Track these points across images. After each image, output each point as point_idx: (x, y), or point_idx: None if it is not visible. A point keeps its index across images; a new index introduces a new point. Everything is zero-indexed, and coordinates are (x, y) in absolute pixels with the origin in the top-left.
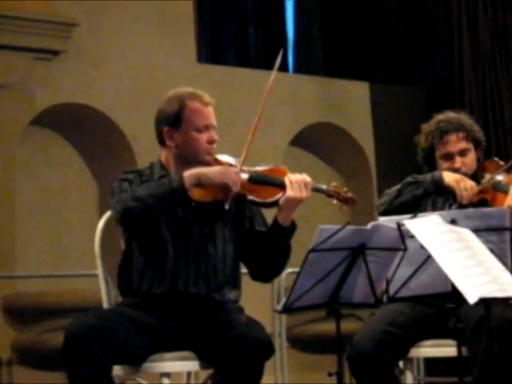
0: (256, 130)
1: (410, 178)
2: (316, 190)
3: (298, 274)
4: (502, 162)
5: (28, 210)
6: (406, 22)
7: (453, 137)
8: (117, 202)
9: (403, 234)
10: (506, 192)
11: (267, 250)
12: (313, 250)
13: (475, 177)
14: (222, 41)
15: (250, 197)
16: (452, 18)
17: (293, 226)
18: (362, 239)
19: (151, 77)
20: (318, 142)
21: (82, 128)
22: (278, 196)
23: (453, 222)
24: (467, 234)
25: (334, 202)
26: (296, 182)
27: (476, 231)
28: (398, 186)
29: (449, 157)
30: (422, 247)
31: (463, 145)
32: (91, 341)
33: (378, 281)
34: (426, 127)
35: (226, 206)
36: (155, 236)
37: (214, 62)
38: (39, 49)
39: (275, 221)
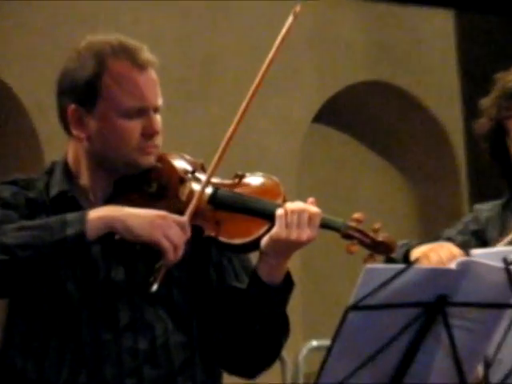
0: (240, 121)
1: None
2: (326, 226)
3: (330, 348)
4: None
5: None
6: None
7: None
8: None
9: None
10: None
11: (245, 323)
12: (355, 308)
13: None
14: None
15: (209, 232)
16: None
17: (286, 284)
18: (442, 287)
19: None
20: (360, 115)
21: None
22: (257, 233)
23: None
24: None
25: (354, 247)
26: (293, 213)
27: None
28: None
29: None
30: None
31: None
32: None
33: (471, 360)
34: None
35: (153, 288)
36: (55, 301)
37: None
38: None
39: (254, 275)
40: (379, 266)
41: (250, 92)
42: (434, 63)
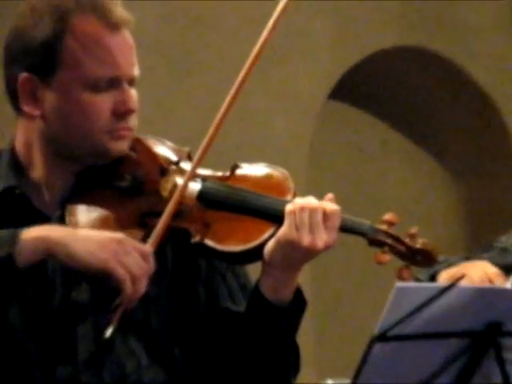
0: (234, 99)
1: None
2: (347, 229)
3: None
4: None
5: None
6: None
7: None
8: None
9: None
10: None
11: (242, 357)
12: (383, 338)
13: None
14: None
15: (198, 237)
16: None
17: (297, 304)
18: (495, 313)
19: None
20: (388, 89)
21: None
22: (259, 239)
23: None
24: None
25: (385, 257)
26: (305, 212)
27: None
28: None
29: None
30: None
31: None
32: None
33: None
34: None
35: (106, 334)
36: None
37: None
38: None
39: (256, 292)
40: (414, 284)
41: (248, 62)
42: (483, 25)
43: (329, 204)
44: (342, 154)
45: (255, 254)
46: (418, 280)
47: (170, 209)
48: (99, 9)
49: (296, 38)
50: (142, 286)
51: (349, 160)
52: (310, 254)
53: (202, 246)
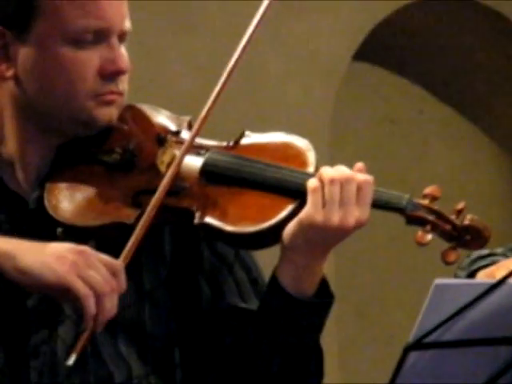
0: (240, 60)
1: None
2: (382, 205)
3: None
4: None
5: None
6: None
7: None
8: None
9: None
10: None
11: (254, 361)
12: (419, 346)
13: None
14: None
15: (202, 218)
16: None
17: (322, 297)
18: None
19: None
20: (426, 48)
21: None
22: (276, 217)
23: None
24: None
25: (427, 236)
26: (334, 184)
27: None
28: None
29: None
30: None
31: None
32: None
33: None
34: None
35: (69, 362)
36: None
37: None
38: None
39: (274, 283)
40: (456, 281)
41: (257, 16)
42: None
43: (361, 175)
44: (369, 126)
45: (271, 236)
46: (456, 277)
47: (163, 185)
48: None
49: None
50: (110, 307)
51: (378, 133)
52: (339, 234)
53: (206, 226)
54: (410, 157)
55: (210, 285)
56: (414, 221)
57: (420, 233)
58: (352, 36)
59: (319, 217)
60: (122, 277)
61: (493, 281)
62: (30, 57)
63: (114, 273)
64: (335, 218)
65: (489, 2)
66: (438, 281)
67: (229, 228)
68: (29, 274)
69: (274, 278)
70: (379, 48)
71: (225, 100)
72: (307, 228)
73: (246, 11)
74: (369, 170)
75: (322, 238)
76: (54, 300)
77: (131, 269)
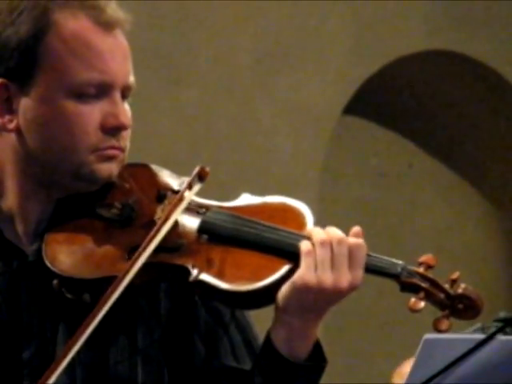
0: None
1: None
2: (377, 270)
3: None
4: None
5: None
6: None
7: None
8: None
9: None
10: None
11: None
12: None
13: None
14: None
15: (197, 274)
16: None
17: (316, 360)
18: None
19: None
20: (416, 102)
21: None
22: (271, 278)
23: None
24: None
25: (421, 304)
26: (326, 246)
27: None
28: None
29: None
30: None
31: None
32: None
33: None
34: None
35: None
36: None
37: None
38: None
39: (267, 344)
40: (445, 336)
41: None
42: None
43: (353, 239)
44: (359, 179)
45: (266, 296)
46: None
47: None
48: (88, 4)
49: (307, 41)
50: None
51: (368, 187)
52: (333, 296)
53: (202, 284)
54: (399, 209)
55: (205, 344)
56: (408, 287)
57: (413, 300)
58: (342, 90)
59: (312, 279)
60: None
61: (482, 336)
62: (33, 109)
63: None
64: (328, 280)
65: (479, 56)
66: (427, 336)
67: (224, 286)
68: None
69: (267, 339)
70: (369, 102)
71: (217, 151)
72: (301, 290)
73: (232, 66)
74: (359, 223)
75: (315, 301)
76: (48, 353)
77: (125, 325)
